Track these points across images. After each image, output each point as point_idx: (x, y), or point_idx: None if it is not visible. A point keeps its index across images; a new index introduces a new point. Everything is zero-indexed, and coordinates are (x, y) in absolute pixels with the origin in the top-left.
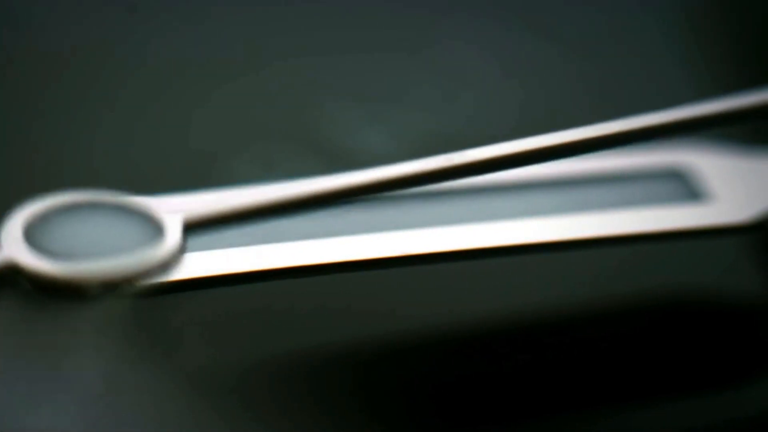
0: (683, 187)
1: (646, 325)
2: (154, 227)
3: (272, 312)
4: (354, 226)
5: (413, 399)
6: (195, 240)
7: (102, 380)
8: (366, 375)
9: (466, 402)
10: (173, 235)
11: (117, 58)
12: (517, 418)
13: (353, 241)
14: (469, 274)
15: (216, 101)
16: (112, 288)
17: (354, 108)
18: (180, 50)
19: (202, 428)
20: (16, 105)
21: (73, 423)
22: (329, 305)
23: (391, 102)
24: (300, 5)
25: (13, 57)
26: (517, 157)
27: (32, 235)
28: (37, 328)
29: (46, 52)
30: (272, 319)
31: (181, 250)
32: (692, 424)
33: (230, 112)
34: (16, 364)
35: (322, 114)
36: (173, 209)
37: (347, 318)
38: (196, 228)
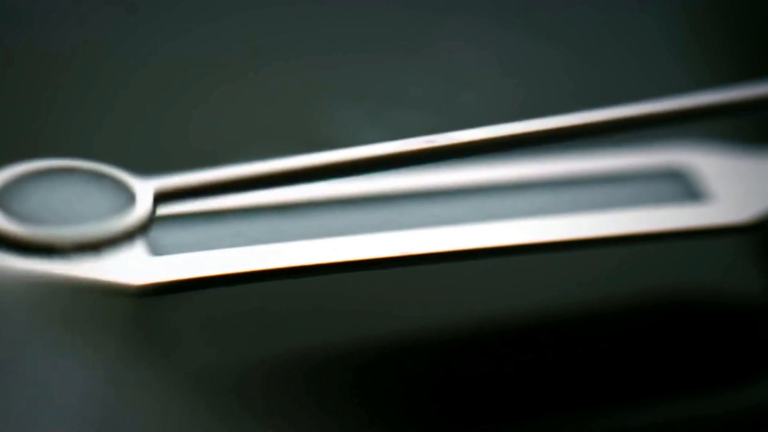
0: (683, 187)
1: (646, 325)
2: (126, 195)
3: (271, 312)
4: (354, 226)
5: (413, 399)
6: (195, 240)
7: (101, 380)
8: (366, 375)
9: (466, 402)
10: (144, 203)
11: (117, 57)
12: (517, 418)
13: (353, 241)
14: (469, 274)
15: (216, 101)
16: (82, 250)
17: (354, 108)
18: (180, 50)
19: (202, 428)
20: None
21: (71, 423)
22: (329, 305)
23: (391, 102)
24: (300, 5)
25: (13, 57)
26: (502, 141)
27: (6, 199)
28: (36, 327)
29: (46, 52)
30: (271, 319)
31: (151, 218)
32: (692, 423)
33: (230, 111)
34: (14, 363)
35: (322, 114)
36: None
37: (347, 318)
38: (167, 198)
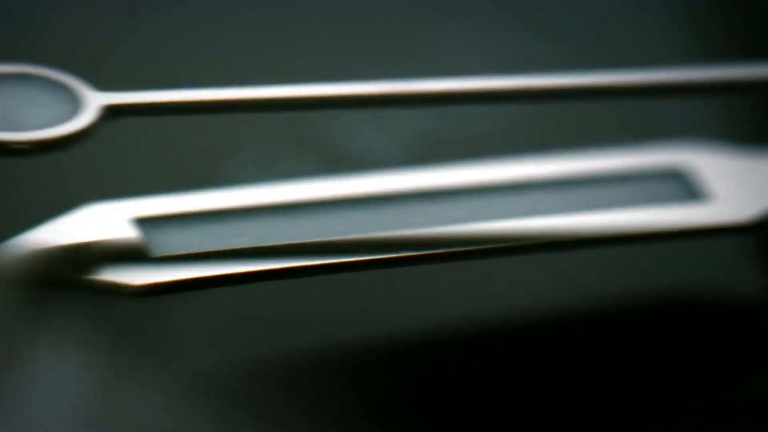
0: (683, 187)
1: (645, 325)
2: (76, 102)
3: (271, 312)
4: (354, 226)
5: (413, 399)
6: (195, 240)
7: (101, 380)
8: (366, 375)
9: (466, 402)
10: (91, 111)
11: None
12: (517, 418)
13: (353, 241)
14: (469, 274)
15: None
16: (28, 151)
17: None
18: (180, 50)
19: (202, 429)
20: None
21: (71, 423)
22: (329, 305)
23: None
24: (301, 6)
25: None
26: (472, 95)
27: None
28: (36, 328)
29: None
30: (272, 319)
31: (97, 125)
32: (692, 423)
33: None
34: (14, 363)
35: (321, 114)
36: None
37: (347, 318)
38: (117, 111)
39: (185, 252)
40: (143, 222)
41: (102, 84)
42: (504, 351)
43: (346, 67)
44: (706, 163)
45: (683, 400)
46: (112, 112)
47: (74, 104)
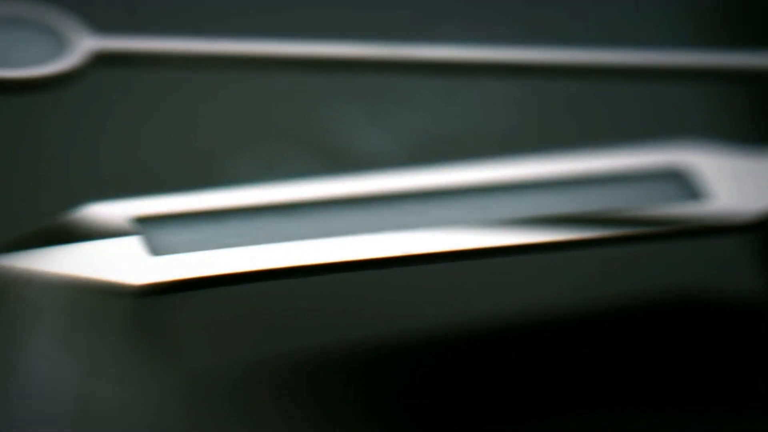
0: (683, 187)
1: (645, 325)
2: (64, 45)
3: (271, 312)
4: (354, 226)
5: (413, 399)
6: (195, 240)
7: (100, 380)
8: (366, 375)
9: (466, 402)
10: (79, 54)
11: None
12: (518, 418)
13: (353, 241)
14: (469, 274)
15: (218, 100)
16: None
17: (354, 108)
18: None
19: (202, 428)
20: None
21: (70, 423)
22: (329, 305)
23: (391, 102)
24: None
25: None
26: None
27: None
28: (36, 327)
29: None
30: (272, 319)
31: (85, 69)
32: (692, 423)
33: (232, 111)
34: (14, 363)
35: (322, 113)
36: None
37: (347, 318)
38: (107, 59)
39: (185, 252)
40: (143, 222)
41: (99, 28)
42: (504, 351)
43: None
44: (706, 163)
45: (683, 399)
46: (103, 58)
47: (62, 47)
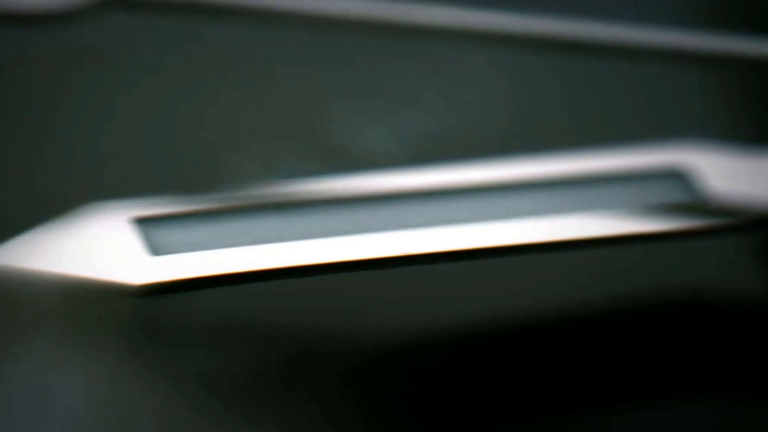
0: (683, 187)
1: (646, 325)
2: None
3: (271, 312)
4: (354, 226)
5: (413, 399)
6: (195, 240)
7: (100, 380)
8: (365, 375)
9: (466, 402)
10: None
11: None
12: (518, 418)
13: (353, 241)
14: (469, 274)
15: (221, 101)
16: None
17: (354, 108)
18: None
19: (201, 428)
20: None
21: (70, 423)
22: (329, 305)
23: (391, 102)
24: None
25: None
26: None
27: None
28: (36, 327)
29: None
30: (272, 319)
31: (82, 11)
32: (692, 423)
33: (235, 111)
34: (14, 363)
35: (323, 114)
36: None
37: (347, 318)
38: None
39: (185, 252)
40: (143, 222)
41: None
42: (504, 351)
43: None
44: (706, 163)
45: (683, 399)
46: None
47: None
